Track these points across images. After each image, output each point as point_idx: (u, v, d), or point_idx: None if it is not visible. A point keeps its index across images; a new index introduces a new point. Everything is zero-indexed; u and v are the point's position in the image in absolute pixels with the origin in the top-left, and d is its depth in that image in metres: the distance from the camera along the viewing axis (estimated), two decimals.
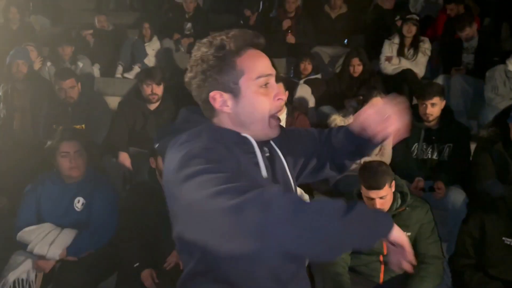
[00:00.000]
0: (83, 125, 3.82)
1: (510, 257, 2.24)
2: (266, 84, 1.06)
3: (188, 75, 1.09)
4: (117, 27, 6.03)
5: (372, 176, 2.23)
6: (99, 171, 3.12)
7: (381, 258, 2.42)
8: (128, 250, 2.65)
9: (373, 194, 2.23)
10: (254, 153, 1.08)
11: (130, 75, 5.26)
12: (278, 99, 1.07)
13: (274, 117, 1.08)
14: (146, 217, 2.71)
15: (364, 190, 2.29)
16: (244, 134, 1.08)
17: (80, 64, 4.99)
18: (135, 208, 2.74)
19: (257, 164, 1.08)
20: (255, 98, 1.05)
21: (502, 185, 2.74)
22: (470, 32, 4.25)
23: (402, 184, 2.40)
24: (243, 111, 1.06)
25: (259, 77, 1.05)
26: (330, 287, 2.34)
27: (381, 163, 2.34)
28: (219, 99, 1.06)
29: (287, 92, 3.50)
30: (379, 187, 2.22)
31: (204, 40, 1.08)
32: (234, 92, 1.05)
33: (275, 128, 1.09)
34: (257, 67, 1.05)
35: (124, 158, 3.53)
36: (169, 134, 1.12)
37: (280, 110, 1.09)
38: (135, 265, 2.59)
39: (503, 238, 2.25)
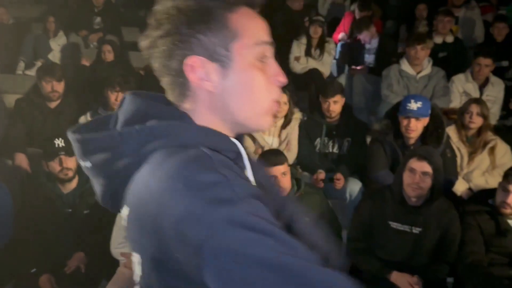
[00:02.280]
0: None
1: (395, 240, 2.44)
2: (263, 58, 0.75)
3: (151, 34, 0.73)
4: (19, 20, 5.64)
5: (273, 154, 2.48)
6: None
7: None
8: (24, 255, 2.53)
9: (277, 170, 2.39)
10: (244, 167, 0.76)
11: (32, 72, 4.95)
12: (279, 80, 0.76)
13: (275, 102, 0.76)
14: (44, 221, 2.60)
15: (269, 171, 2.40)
16: (233, 140, 0.75)
17: None
18: (32, 212, 2.62)
19: None
20: (252, 73, 0.73)
21: (392, 175, 2.98)
22: (368, 34, 4.55)
23: (295, 172, 2.56)
24: (232, 90, 0.73)
25: (258, 44, 0.74)
26: None
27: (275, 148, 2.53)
28: (200, 69, 0.72)
29: None
30: (281, 162, 2.42)
31: None
32: (223, 61, 0.72)
33: (271, 118, 0.77)
34: (256, 30, 0.74)
35: (21, 160, 3.32)
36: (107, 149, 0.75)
37: (276, 96, 0.77)
38: (32, 271, 2.47)
39: (389, 222, 2.45)
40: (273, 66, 0.77)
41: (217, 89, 0.73)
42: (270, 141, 3.57)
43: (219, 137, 0.74)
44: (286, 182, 2.43)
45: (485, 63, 3.85)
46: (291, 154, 3.41)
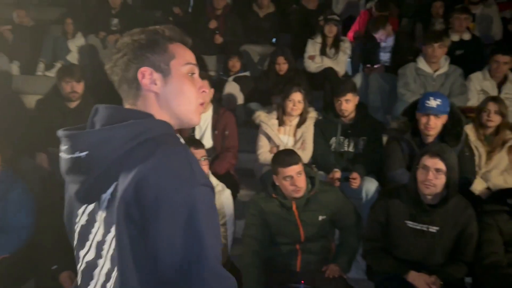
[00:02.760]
0: None
1: (411, 239, 2.44)
2: (192, 74, 1.09)
3: (113, 57, 1.05)
4: (39, 22, 5.76)
5: (287, 154, 2.49)
6: (15, 173, 2.99)
7: (297, 246, 2.54)
8: (46, 252, 2.59)
9: (292, 170, 2.41)
10: None
11: (52, 73, 5.05)
12: (203, 91, 1.10)
13: (201, 104, 1.10)
14: (64, 219, 2.65)
15: (282, 172, 2.42)
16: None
17: None
18: (53, 210, 2.68)
19: None
20: (184, 81, 1.07)
21: (409, 174, 2.96)
22: (384, 33, 4.52)
23: (309, 170, 2.56)
24: (172, 92, 1.06)
25: (187, 63, 1.08)
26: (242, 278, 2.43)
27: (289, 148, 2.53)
28: (149, 76, 1.04)
29: (212, 90, 3.55)
30: (296, 162, 2.42)
31: (135, 30, 1.09)
32: (165, 72, 1.05)
33: (200, 115, 1.11)
34: (186, 55, 1.09)
35: (42, 159, 3.40)
36: (112, 138, 0.97)
37: (204, 102, 1.12)
38: (53, 268, 2.53)
39: (406, 222, 2.44)
40: (198, 80, 1.11)
41: (161, 91, 1.06)
42: (285, 140, 3.58)
43: (170, 127, 1.05)
44: (301, 182, 2.44)
45: (504, 61, 3.80)
46: (306, 153, 3.42)
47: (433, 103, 2.82)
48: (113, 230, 0.96)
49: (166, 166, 0.93)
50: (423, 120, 2.87)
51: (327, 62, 4.66)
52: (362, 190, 3.12)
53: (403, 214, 2.44)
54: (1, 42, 5.10)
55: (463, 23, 4.49)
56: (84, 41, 5.38)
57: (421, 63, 3.92)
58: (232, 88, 4.54)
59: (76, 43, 5.32)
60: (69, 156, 0.99)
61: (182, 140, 1.05)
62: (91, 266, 1.02)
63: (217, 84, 4.16)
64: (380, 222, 2.49)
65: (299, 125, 3.54)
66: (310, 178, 2.54)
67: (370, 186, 3.11)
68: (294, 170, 2.40)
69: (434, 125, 2.84)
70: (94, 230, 1.02)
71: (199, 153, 2.46)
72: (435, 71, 3.89)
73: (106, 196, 0.98)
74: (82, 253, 1.05)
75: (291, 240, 2.53)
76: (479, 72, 3.99)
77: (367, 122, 3.40)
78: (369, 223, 2.55)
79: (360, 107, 3.42)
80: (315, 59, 4.71)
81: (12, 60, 5.04)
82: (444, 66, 3.88)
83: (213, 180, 2.59)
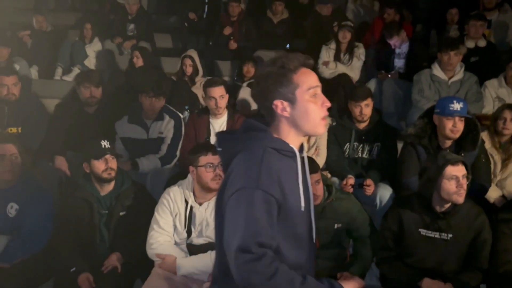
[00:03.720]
0: (20, 128, 3.72)
1: (425, 247, 2.44)
2: (315, 95, 1.38)
3: (255, 89, 1.43)
4: (57, 27, 5.88)
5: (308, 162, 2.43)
6: (34, 176, 3.06)
7: None
8: (64, 255, 2.64)
9: (311, 179, 2.38)
10: (296, 170, 1.41)
11: (69, 77, 5.15)
12: (325, 105, 1.38)
13: (323, 118, 1.39)
14: (82, 222, 2.71)
15: None
16: (291, 145, 1.40)
17: (17, 66, 4.82)
18: (71, 213, 2.73)
19: (297, 188, 1.40)
20: (308, 104, 1.37)
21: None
22: (398, 39, 4.53)
23: (325, 178, 2.57)
24: (299, 114, 1.37)
25: (309, 88, 1.37)
26: None
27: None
28: (280, 106, 1.37)
29: (227, 95, 3.60)
30: (315, 170, 2.42)
31: (268, 61, 1.43)
32: (292, 100, 1.37)
33: (324, 126, 1.42)
34: (308, 81, 1.37)
35: (61, 162, 3.46)
36: (230, 141, 1.43)
37: (327, 114, 1.40)
38: (71, 270, 2.58)
39: (419, 230, 2.44)
40: (321, 98, 1.41)
41: (290, 115, 1.39)
42: None
43: (281, 143, 1.40)
44: (319, 190, 2.46)
45: None
46: (320, 159, 3.43)
47: (457, 106, 2.81)
48: None
49: (240, 165, 1.34)
50: (448, 123, 2.84)
51: (341, 68, 4.68)
52: (376, 196, 3.12)
53: (416, 222, 2.45)
54: (21, 47, 5.21)
55: (479, 29, 4.48)
56: (101, 46, 5.47)
57: (436, 70, 3.92)
58: (246, 93, 4.57)
59: (93, 48, 5.42)
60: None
61: (289, 153, 1.39)
62: None
63: (231, 90, 4.20)
64: (393, 230, 2.49)
65: None
66: (327, 186, 2.54)
67: (384, 192, 3.11)
68: (313, 178, 2.40)
69: (460, 128, 2.83)
70: None
71: (216, 159, 2.49)
72: (450, 78, 3.89)
73: None
74: None
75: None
76: (494, 79, 3.97)
77: (382, 128, 3.41)
78: (382, 231, 2.55)
79: (374, 113, 3.42)
80: (329, 65, 4.73)
81: (31, 65, 5.14)
82: (459, 73, 3.88)
83: None
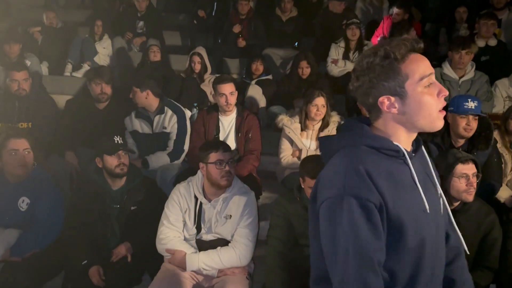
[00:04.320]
0: (30, 124, 3.75)
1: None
2: (429, 85, 1.14)
3: (354, 84, 1.20)
4: (67, 24, 5.92)
5: (317, 165, 2.40)
6: (45, 171, 3.08)
7: None
8: (76, 248, 2.66)
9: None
10: (408, 166, 1.21)
11: (79, 74, 5.19)
12: (442, 95, 1.15)
13: (441, 110, 1.17)
14: (93, 216, 2.73)
15: (308, 181, 2.42)
16: (396, 143, 1.20)
17: (28, 62, 4.86)
18: (83, 207, 2.76)
19: (413, 186, 1.20)
20: (421, 97, 1.14)
21: None
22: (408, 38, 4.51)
23: None
24: (411, 110, 1.16)
25: (422, 78, 1.13)
26: (266, 280, 2.46)
27: (318, 155, 2.49)
28: (387, 102, 1.16)
29: (236, 92, 3.61)
30: None
31: (367, 51, 1.20)
32: (401, 95, 1.15)
33: (442, 119, 1.18)
34: (419, 69, 1.14)
35: (71, 157, 3.50)
36: (328, 144, 1.26)
37: (444, 104, 1.18)
38: (83, 263, 2.60)
39: None
40: (437, 87, 1.17)
41: (400, 111, 1.18)
42: (308, 144, 3.60)
43: (381, 140, 1.20)
44: None
45: None
46: None
47: (471, 104, 2.80)
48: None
49: (327, 172, 1.18)
50: (462, 122, 2.83)
51: (350, 66, 4.67)
52: None
53: None
54: (31, 43, 5.25)
55: (490, 28, 4.45)
56: (110, 43, 5.50)
57: (447, 69, 3.90)
58: (255, 91, 4.59)
59: (103, 45, 5.45)
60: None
61: (392, 151, 1.19)
62: None
63: (240, 87, 4.21)
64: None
65: (322, 129, 3.56)
66: None
67: None
68: None
69: (474, 126, 2.83)
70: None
71: (227, 156, 2.50)
72: (460, 77, 3.87)
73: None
74: None
75: None
76: (505, 79, 3.95)
77: None
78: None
79: None
80: (338, 63, 4.72)
81: (41, 61, 5.18)
82: (469, 72, 3.86)
83: (238, 182, 2.63)
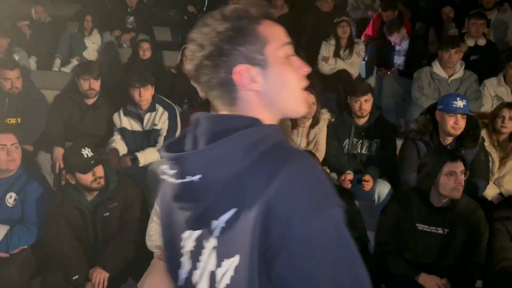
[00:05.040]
0: (19, 119, 3.71)
1: (423, 241, 2.46)
2: (288, 55, 0.89)
3: (196, 56, 0.86)
4: (56, 19, 5.85)
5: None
6: (33, 166, 3.05)
7: None
8: (67, 262, 2.58)
9: None
10: None
11: (68, 69, 5.13)
12: (304, 70, 0.90)
13: (304, 90, 0.91)
14: (76, 226, 2.65)
15: None
16: None
17: (16, 57, 4.80)
18: (65, 220, 2.64)
19: None
20: (284, 68, 0.87)
21: None
22: (398, 36, 4.54)
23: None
24: (273, 86, 0.87)
25: (283, 45, 0.88)
26: None
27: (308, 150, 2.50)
28: (246, 74, 0.85)
29: None
30: None
31: (212, 14, 0.88)
32: (262, 64, 0.86)
33: (305, 103, 0.92)
34: (280, 34, 0.89)
35: (59, 153, 3.46)
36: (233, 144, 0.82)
37: (305, 84, 0.91)
38: (74, 278, 2.54)
39: (416, 224, 2.46)
40: (297, 60, 0.90)
41: (263, 88, 0.87)
42: (298, 141, 3.61)
43: (280, 131, 0.88)
44: None
45: None
46: (319, 155, 3.44)
47: (460, 103, 2.84)
48: (225, 263, 0.82)
49: (295, 191, 0.77)
50: (451, 120, 2.86)
51: (341, 64, 4.68)
52: (374, 192, 3.14)
53: (414, 217, 2.47)
54: (20, 38, 5.18)
55: (479, 28, 4.49)
56: (99, 38, 5.45)
57: (436, 68, 3.93)
58: None
59: (92, 39, 5.39)
60: (180, 181, 0.85)
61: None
62: None
63: None
64: (391, 225, 2.51)
65: (312, 126, 3.57)
66: None
67: (383, 188, 3.13)
68: None
69: (462, 124, 2.86)
70: (204, 258, 0.87)
71: None
72: (450, 76, 3.90)
73: (218, 223, 0.82)
74: (192, 281, 0.90)
75: None
76: (493, 78, 3.99)
77: (381, 124, 3.42)
78: (380, 226, 2.57)
79: (374, 109, 3.43)
80: (328, 61, 4.73)
81: (30, 55, 5.12)
82: (459, 71, 3.89)
83: None
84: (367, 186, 3.14)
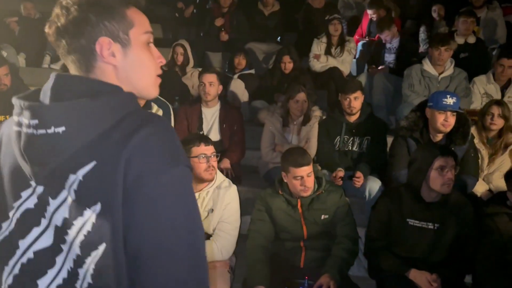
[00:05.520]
0: (7, 116, 3.67)
1: (413, 237, 2.47)
2: (149, 43, 1.00)
3: (60, 20, 0.93)
4: (45, 15, 5.77)
5: (300, 155, 2.47)
6: None
7: (301, 243, 2.58)
8: None
9: (303, 171, 2.42)
10: None
11: (57, 66, 5.08)
12: (160, 61, 1.02)
13: (158, 77, 1.03)
14: None
15: (293, 171, 2.44)
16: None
17: (4, 53, 4.75)
18: None
19: None
20: (144, 52, 0.98)
21: None
22: (389, 34, 4.56)
23: (317, 170, 2.58)
24: (131, 65, 0.97)
25: (146, 32, 0.99)
26: (247, 273, 2.46)
27: (300, 146, 2.51)
28: (107, 47, 0.94)
29: (221, 86, 3.62)
30: (308, 163, 2.43)
31: None
32: (124, 43, 0.96)
33: (157, 87, 1.04)
34: (145, 22, 1.00)
35: None
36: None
37: (160, 72, 1.03)
38: None
39: (407, 219, 2.48)
40: (155, 50, 1.02)
41: (120, 64, 0.97)
42: (290, 139, 3.62)
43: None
44: (310, 182, 2.46)
45: (509, 64, 3.83)
46: (311, 152, 3.45)
47: (450, 100, 2.86)
48: (87, 212, 0.86)
49: (150, 148, 0.86)
50: (440, 117, 2.89)
51: (332, 62, 4.69)
52: (365, 189, 3.15)
53: (405, 212, 2.48)
54: (8, 34, 5.12)
55: (469, 26, 4.53)
56: None
57: (427, 65, 3.95)
58: (237, 85, 4.57)
59: None
60: (40, 131, 0.87)
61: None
62: (49, 252, 0.90)
63: (222, 81, 4.20)
64: (382, 221, 2.52)
65: (303, 123, 3.58)
66: (317, 178, 2.56)
67: (373, 185, 3.15)
68: (305, 171, 2.42)
69: (452, 122, 2.88)
70: (48, 215, 0.90)
71: (209, 150, 2.48)
72: (440, 73, 3.93)
73: (76, 177, 0.87)
74: (24, 241, 0.92)
75: (294, 237, 2.57)
76: (483, 76, 4.02)
77: (372, 121, 3.44)
78: (371, 222, 2.58)
79: (365, 107, 3.45)
80: (320, 59, 4.74)
81: (18, 52, 5.06)
82: (449, 68, 3.92)
83: (220, 176, 2.62)
84: (358, 183, 3.16)
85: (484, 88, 3.99)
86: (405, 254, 2.48)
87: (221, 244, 2.47)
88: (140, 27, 0.98)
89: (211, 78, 3.53)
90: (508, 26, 5.17)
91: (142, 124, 0.88)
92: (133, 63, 0.97)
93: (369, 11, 5.15)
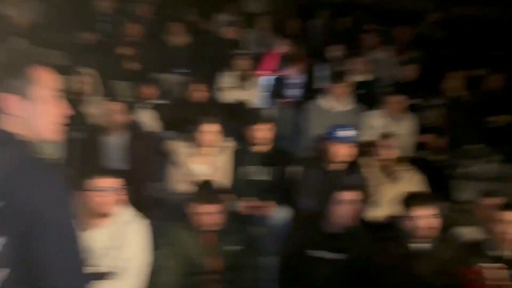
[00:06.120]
0: None
1: (319, 268, 2.53)
2: (53, 96, 1.19)
3: None
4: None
5: (211, 192, 2.49)
6: None
7: (214, 277, 2.54)
8: None
9: (213, 208, 2.42)
10: None
11: None
12: (62, 112, 1.21)
13: (60, 124, 1.22)
14: None
15: (202, 207, 2.42)
16: None
17: None
18: None
19: None
20: (45, 105, 1.17)
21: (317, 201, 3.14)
22: (292, 70, 4.88)
23: (228, 204, 2.59)
24: (33, 115, 1.16)
25: (49, 87, 1.17)
26: None
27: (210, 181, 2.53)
28: (10, 101, 1.13)
29: (123, 112, 3.57)
30: (218, 201, 2.47)
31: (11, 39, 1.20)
32: (27, 97, 1.15)
33: (57, 133, 1.22)
34: (49, 79, 1.18)
35: None
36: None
37: (62, 121, 1.22)
38: None
39: (313, 251, 2.54)
40: (57, 103, 1.19)
41: (24, 115, 1.15)
42: (201, 170, 3.62)
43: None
44: (221, 218, 2.47)
45: (397, 101, 4.27)
46: (226, 181, 3.48)
47: (347, 133, 3.09)
48: None
49: (47, 192, 1.09)
50: (339, 149, 3.09)
51: (241, 95, 4.84)
52: (273, 218, 3.24)
53: (310, 243, 2.56)
54: None
55: (364, 66, 4.99)
56: None
57: (325, 100, 4.26)
58: (146, 115, 4.50)
59: None
60: None
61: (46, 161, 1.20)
62: None
63: (130, 111, 4.11)
64: (291, 252, 2.58)
65: (214, 154, 3.61)
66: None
67: (282, 214, 3.25)
68: (216, 208, 2.43)
69: (349, 153, 3.10)
70: None
71: (110, 182, 2.38)
72: (337, 108, 4.25)
73: None
74: None
75: (207, 269, 2.54)
76: (375, 110, 4.42)
77: (279, 152, 3.59)
78: (281, 253, 2.63)
79: (273, 138, 3.60)
80: (229, 91, 4.87)
81: None
82: (346, 104, 4.26)
83: (124, 210, 2.51)
84: (267, 212, 3.24)
85: (376, 121, 4.39)
86: (313, 285, 2.53)
87: (131, 282, 2.36)
88: (43, 83, 1.16)
89: (115, 106, 3.51)
90: (399, 65, 5.66)
91: (39, 171, 1.11)
92: (34, 114, 1.15)
93: (279, 48, 5.43)
